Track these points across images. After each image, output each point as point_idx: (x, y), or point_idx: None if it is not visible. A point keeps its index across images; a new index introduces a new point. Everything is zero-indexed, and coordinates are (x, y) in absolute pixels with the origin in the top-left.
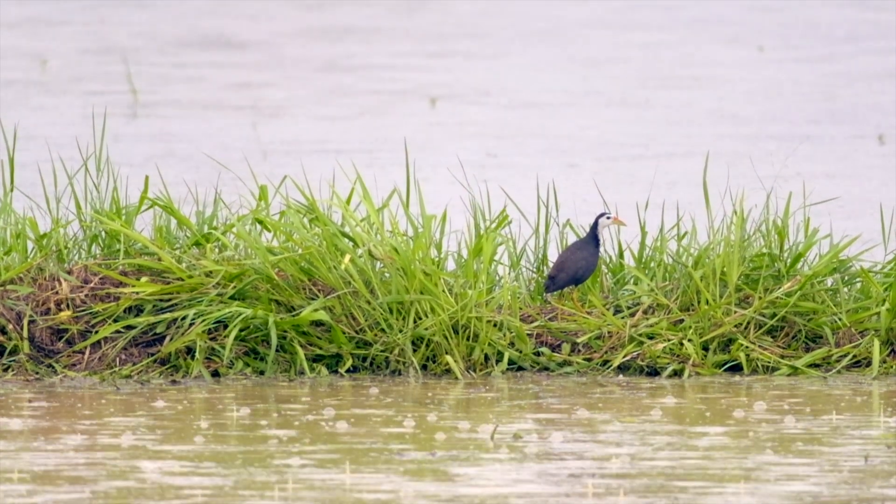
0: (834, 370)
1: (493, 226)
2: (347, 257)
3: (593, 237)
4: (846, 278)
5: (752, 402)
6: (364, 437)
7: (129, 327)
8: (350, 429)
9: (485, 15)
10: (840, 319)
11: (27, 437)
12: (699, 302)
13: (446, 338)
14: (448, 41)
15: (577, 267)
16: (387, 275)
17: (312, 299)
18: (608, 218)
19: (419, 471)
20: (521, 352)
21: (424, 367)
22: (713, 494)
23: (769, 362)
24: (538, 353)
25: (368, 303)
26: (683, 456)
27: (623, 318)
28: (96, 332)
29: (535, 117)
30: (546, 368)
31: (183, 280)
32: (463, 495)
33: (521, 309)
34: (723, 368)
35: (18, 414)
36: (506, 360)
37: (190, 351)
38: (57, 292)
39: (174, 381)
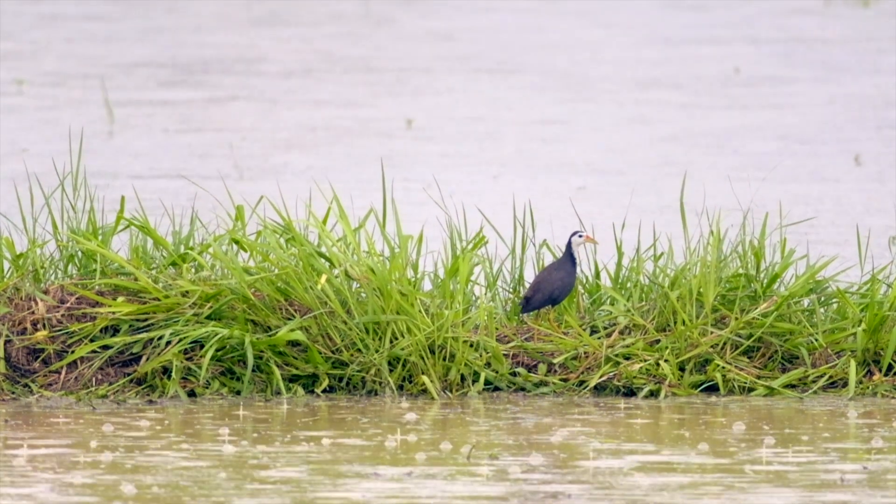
0: (810, 391)
1: (470, 246)
2: (324, 277)
3: (569, 257)
4: (822, 299)
5: (729, 423)
6: (339, 456)
7: (106, 347)
8: (325, 448)
9: (459, 35)
10: (816, 340)
11: None
12: (675, 322)
13: (422, 358)
14: (426, 61)
15: (552, 287)
16: (363, 295)
17: (289, 319)
18: (580, 236)
19: (394, 490)
20: (497, 372)
21: (401, 388)
22: None
23: (745, 383)
24: (514, 374)
25: (345, 323)
26: (661, 476)
27: (599, 338)
28: (72, 351)
29: (511, 138)
30: (522, 389)
31: (159, 300)
32: None
33: (497, 329)
34: (699, 389)
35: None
36: (482, 380)
37: (166, 371)
38: (33, 312)
39: (150, 401)
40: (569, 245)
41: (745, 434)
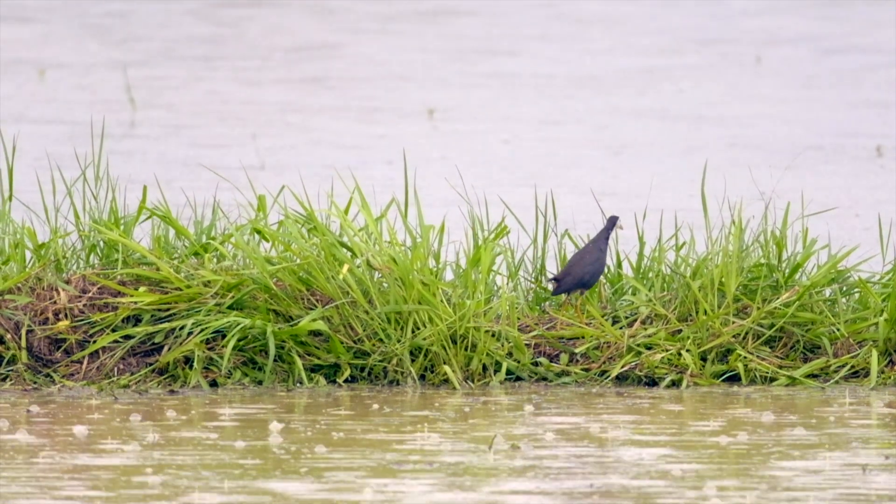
0: (832, 381)
1: (492, 236)
2: (346, 267)
3: (606, 239)
4: (844, 289)
5: (753, 412)
6: (362, 448)
7: (128, 337)
8: (346, 439)
9: (482, 26)
10: (838, 330)
11: None
12: (697, 312)
13: (444, 348)
14: (447, 53)
15: (583, 272)
16: (385, 285)
17: (310, 309)
18: (620, 227)
19: (417, 482)
20: (519, 362)
21: (422, 378)
22: None
23: (767, 373)
24: (536, 363)
25: (367, 313)
26: (685, 467)
27: (621, 328)
28: (94, 341)
29: (532, 128)
30: (544, 378)
31: (181, 290)
32: None
33: (518, 319)
34: (721, 379)
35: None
36: (504, 370)
37: (188, 361)
38: (55, 302)
39: (172, 391)
40: (612, 225)
41: (773, 423)
